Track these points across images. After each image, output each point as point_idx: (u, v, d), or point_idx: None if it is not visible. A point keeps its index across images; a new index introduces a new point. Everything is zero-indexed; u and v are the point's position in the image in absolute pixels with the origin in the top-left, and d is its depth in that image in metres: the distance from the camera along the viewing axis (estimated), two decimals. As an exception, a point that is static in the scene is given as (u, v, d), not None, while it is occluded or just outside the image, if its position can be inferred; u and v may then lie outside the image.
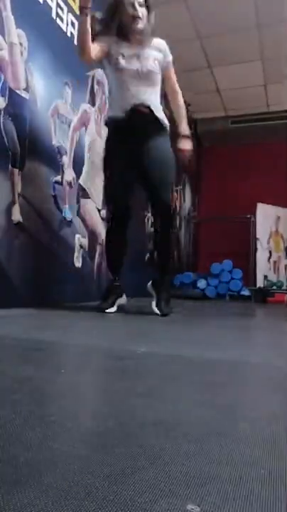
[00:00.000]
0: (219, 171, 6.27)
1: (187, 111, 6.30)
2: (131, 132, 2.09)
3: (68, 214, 2.72)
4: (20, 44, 2.20)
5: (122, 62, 2.07)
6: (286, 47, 4.40)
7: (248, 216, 5.75)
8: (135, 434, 0.52)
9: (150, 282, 2.40)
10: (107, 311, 2.21)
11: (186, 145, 2.29)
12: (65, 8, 2.65)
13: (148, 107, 2.08)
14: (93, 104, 3.06)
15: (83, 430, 0.53)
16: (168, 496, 0.37)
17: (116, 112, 2.13)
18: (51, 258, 2.51)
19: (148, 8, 2.09)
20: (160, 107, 2.19)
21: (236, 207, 5.83)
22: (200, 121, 6.23)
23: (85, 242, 2.97)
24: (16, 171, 2.17)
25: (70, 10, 2.71)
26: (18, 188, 2.19)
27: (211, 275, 5.07)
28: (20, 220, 2.20)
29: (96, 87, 3.11)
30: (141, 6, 2.05)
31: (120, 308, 2.32)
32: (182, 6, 3.89)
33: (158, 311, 2.21)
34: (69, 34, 2.71)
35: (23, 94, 2.23)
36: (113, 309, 2.25)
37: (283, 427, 0.58)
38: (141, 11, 2.05)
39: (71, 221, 2.76)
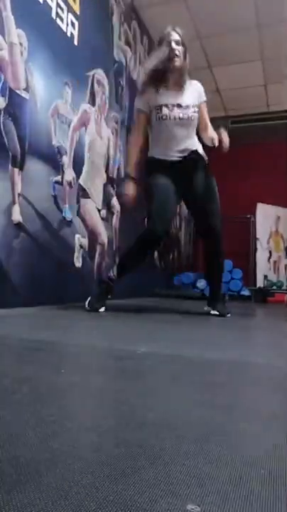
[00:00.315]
0: (219, 171, 6.25)
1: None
2: (177, 171, 2.26)
3: (68, 214, 2.72)
4: (20, 44, 2.20)
5: (165, 111, 2.22)
6: (286, 47, 4.40)
7: (248, 216, 5.75)
8: (135, 434, 0.52)
9: (207, 303, 2.59)
10: (100, 310, 2.27)
11: (223, 133, 2.35)
12: (65, 8, 2.65)
13: (193, 151, 2.28)
14: (93, 104, 3.06)
15: (83, 430, 0.53)
16: (168, 496, 0.37)
17: (161, 155, 2.30)
18: (51, 258, 2.51)
19: (184, 46, 2.19)
20: (199, 144, 2.37)
21: (236, 207, 5.82)
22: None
23: (85, 242, 2.97)
24: (16, 170, 2.17)
25: (70, 10, 2.71)
26: (18, 188, 2.19)
27: (211, 275, 5.06)
28: (20, 220, 2.20)
29: (96, 87, 3.11)
30: (177, 44, 2.16)
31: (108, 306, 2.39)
32: (182, 6, 3.89)
33: (216, 312, 2.45)
34: (69, 34, 2.71)
35: (23, 94, 2.23)
36: (103, 309, 2.30)
37: (283, 427, 0.58)
38: (178, 49, 2.16)
39: (71, 221, 2.76)
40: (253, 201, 5.60)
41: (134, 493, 0.37)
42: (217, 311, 2.46)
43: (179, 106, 2.23)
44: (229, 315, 2.45)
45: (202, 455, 0.47)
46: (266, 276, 5.47)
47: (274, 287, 5.31)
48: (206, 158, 2.40)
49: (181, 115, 2.22)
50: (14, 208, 2.16)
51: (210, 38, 4.35)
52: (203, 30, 4.22)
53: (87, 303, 2.28)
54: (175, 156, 2.28)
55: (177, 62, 2.17)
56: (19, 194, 2.20)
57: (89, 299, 2.30)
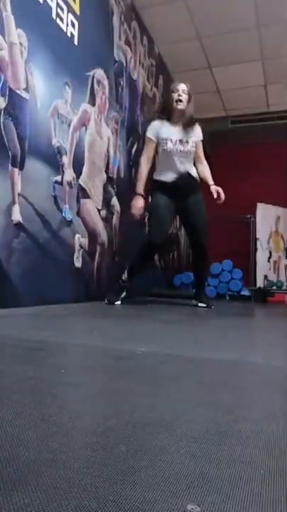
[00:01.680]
0: (219, 171, 6.24)
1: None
2: (176, 191, 2.82)
3: (68, 214, 2.72)
4: (20, 44, 2.20)
5: (170, 145, 2.80)
6: (286, 47, 4.40)
7: (249, 216, 5.75)
8: (135, 434, 0.52)
9: (193, 298, 3.21)
10: (116, 303, 2.79)
11: (218, 188, 2.91)
12: (65, 8, 2.65)
13: (189, 173, 2.86)
14: (93, 104, 3.06)
15: (83, 430, 0.53)
16: (168, 496, 0.37)
17: (164, 178, 2.86)
18: (51, 258, 2.52)
19: (189, 96, 2.83)
20: (194, 169, 2.92)
21: (236, 207, 5.80)
22: (200, 121, 6.22)
23: (85, 242, 2.97)
24: (16, 170, 2.17)
25: (70, 10, 2.71)
26: (18, 188, 2.19)
27: (211, 275, 5.07)
28: (20, 220, 2.20)
29: (96, 87, 3.11)
30: (184, 93, 2.80)
31: (122, 300, 2.86)
32: (182, 6, 3.89)
33: (203, 305, 3.05)
34: (69, 34, 2.71)
35: (23, 94, 2.23)
36: (118, 302, 2.81)
37: (283, 427, 0.58)
38: (183, 97, 2.79)
39: (71, 221, 2.76)
40: (253, 201, 5.59)
41: (134, 493, 0.37)
42: (204, 303, 3.06)
43: (181, 141, 2.81)
44: (213, 306, 3.03)
45: (202, 455, 0.47)
46: (266, 276, 5.46)
47: (274, 287, 5.30)
48: (198, 180, 2.93)
49: (181, 149, 2.81)
50: (14, 208, 2.16)
51: (210, 38, 4.35)
52: (203, 30, 4.21)
53: (106, 299, 2.81)
54: (173, 178, 2.84)
55: (181, 106, 2.79)
56: (19, 194, 2.19)
57: (107, 295, 2.85)
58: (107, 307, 2.65)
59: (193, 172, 2.91)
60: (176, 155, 2.82)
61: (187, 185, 2.85)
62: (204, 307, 3.03)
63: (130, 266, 2.90)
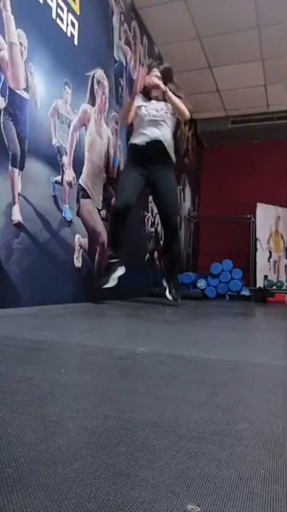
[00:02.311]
0: (219, 171, 6.26)
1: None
2: (146, 156, 2.91)
3: (68, 214, 2.72)
4: (20, 44, 2.20)
5: (143, 110, 2.96)
6: (286, 47, 4.39)
7: (248, 216, 5.75)
8: (135, 434, 0.52)
9: (164, 278, 3.22)
10: (104, 286, 2.79)
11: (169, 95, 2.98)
12: (65, 8, 2.65)
13: (160, 141, 2.92)
14: (93, 104, 3.06)
15: (83, 430, 0.53)
16: (168, 496, 0.37)
17: (136, 140, 2.96)
18: (51, 258, 2.51)
19: (164, 80, 2.95)
20: (171, 144, 2.99)
21: (236, 207, 5.82)
22: (200, 121, 6.23)
23: (85, 242, 2.96)
24: (16, 170, 2.17)
25: (70, 10, 2.71)
26: (18, 188, 2.19)
27: (211, 275, 5.07)
28: (20, 220, 2.20)
29: (96, 87, 3.10)
30: (158, 78, 2.95)
31: (119, 280, 2.87)
32: (182, 6, 3.89)
33: (170, 297, 3.02)
34: (69, 34, 2.70)
35: (23, 94, 2.23)
36: (110, 284, 2.81)
37: (283, 427, 0.58)
38: (158, 82, 2.91)
39: (71, 221, 2.76)
40: (253, 201, 5.60)
41: (134, 493, 0.37)
42: (171, 296, 3.02)
43: (155, 109, 2.94)
44: (179, 300, 3.04)
45: (202, 455, 0.47)
46: (266, 276, 5.46)
47: (274, 287, 5.31)
48: (173, 158, 3.01)
49: (154, 113, 2.92)
50: (14, 208, 2.16)
51: (210, 38, 4.35)
52: (203, 30, 4.21)
53: (99, 285, 2.81)
54: (144, 141, 2.91)
55: (154, 93, 2.96)
56: (19, 194, 2.19)
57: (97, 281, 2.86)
58: (107, 307, 2.65)
59: (168, 140, 2.96)
60: (148, 120, 2.93)
61: (157, 153, 2.91)
62: (171, 300, 2.99)
63: (109, 237, 2.99)
